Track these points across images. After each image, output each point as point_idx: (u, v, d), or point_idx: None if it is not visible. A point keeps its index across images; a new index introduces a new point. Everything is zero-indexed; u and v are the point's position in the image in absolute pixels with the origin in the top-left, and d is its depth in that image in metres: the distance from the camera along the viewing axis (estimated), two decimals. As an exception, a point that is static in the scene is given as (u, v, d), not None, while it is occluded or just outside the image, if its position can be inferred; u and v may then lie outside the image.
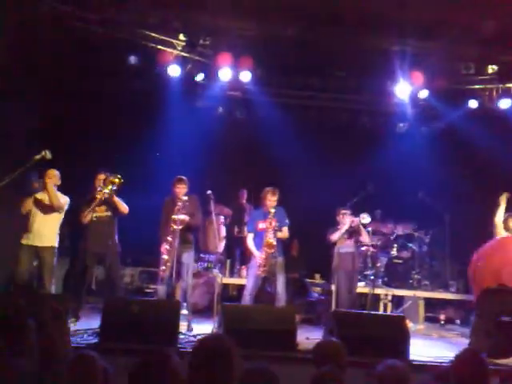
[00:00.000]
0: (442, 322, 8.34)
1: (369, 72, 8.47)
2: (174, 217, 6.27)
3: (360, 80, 8.73)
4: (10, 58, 7.32)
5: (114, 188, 6.25)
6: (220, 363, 2.64)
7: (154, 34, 7.73)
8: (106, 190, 6.24)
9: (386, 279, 8.71)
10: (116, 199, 6.41)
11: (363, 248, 8.41)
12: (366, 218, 7.16)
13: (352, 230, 7.26)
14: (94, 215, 6.35)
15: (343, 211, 7.34)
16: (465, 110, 8.92)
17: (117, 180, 6.27)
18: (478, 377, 3.05)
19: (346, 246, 7.28)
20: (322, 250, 8.17)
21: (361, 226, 7.31)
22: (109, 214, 6.46)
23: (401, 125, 9.59)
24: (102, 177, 6.41)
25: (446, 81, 8.52)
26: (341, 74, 8.58)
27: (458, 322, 8.62)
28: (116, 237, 6.50)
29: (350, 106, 9.38)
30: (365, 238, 7.33)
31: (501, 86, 8.52)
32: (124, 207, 6.49)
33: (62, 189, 6.52)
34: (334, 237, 7.25)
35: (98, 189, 6.33)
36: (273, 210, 6.49)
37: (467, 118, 8.89)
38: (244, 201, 9.41)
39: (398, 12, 6.76)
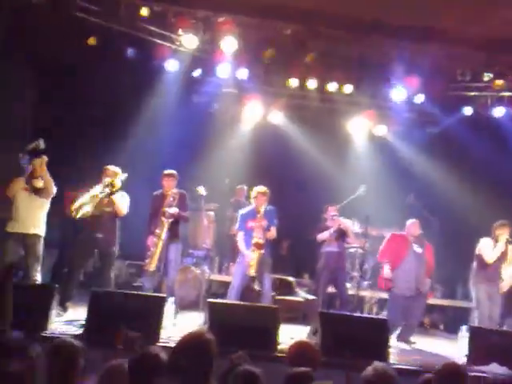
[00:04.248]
0: (427, 327, 8.41)
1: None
2: (164, 209, 6.30)
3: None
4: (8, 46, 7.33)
5: (110, 190, 6.17)
6: (199, 360, 2.70)
7: (152, 28, 7.78)
8: (104, 191, 6.17)
9: (372, 282, 8.77)
10: (114, 199, 6.24)
11: (352, 250, 8.44)
12: (355, 225, 7.12)
13: (340, 231, 7.24)
14: (92, 210, 6.16)
15: (331, 209, 7.30)
16: (459, 117, 9.03)
17: (116, 185, 6.22)
18: None
19: (333, 246, 7.23)
20: (311, 250, 8.22)
21: (349, 228, 7.30)
22: (109, 209, 6.27)
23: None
24: (109, 173, 6.28)
25: (442, 86, 8.59)
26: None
27: (441, 327, 8.71)
28: (114, 233, 6.33)
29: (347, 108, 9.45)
30: (352, 239, 7.31)
31: (495, 94, 8.61)
32: (121, 209, 6.30)
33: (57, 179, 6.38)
34: (322, 236, 7.23)
35: (97, 187, 6.20)
36: (262, 210, 6.55)
37: (461, 125, 8.99)
38: (242, 198, 9.23)
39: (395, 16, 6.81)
